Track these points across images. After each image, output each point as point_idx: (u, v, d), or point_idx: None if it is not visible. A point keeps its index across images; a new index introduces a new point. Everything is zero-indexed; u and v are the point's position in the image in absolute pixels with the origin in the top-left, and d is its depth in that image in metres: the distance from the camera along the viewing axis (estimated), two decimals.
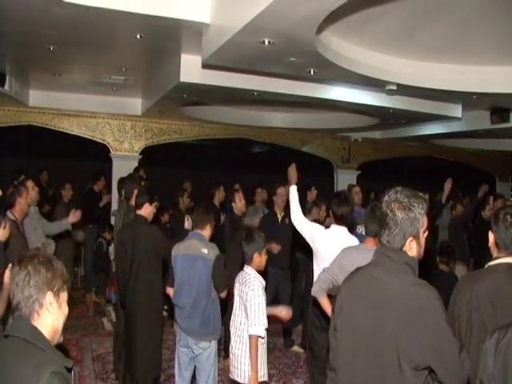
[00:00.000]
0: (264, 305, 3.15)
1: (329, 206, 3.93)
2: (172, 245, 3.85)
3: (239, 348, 3.23)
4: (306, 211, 7.38)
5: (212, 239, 3.94)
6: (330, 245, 3.72)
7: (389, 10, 4.10)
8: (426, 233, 1.93)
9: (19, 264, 1.67)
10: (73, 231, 6.68)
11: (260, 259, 3.31)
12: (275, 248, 5.48)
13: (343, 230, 3.83)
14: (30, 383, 1.49)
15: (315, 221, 5.44)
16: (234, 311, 3.35)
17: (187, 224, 4.48)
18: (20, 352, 1.56)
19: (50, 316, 1.66)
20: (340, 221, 3.81)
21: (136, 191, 4.50)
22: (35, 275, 1.64)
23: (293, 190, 4.20)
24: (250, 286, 3.16)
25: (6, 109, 8.43)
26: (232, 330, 3.34)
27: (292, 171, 4.28)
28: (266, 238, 3.44)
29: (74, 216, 4.99)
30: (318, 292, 3.31)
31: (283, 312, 3.38)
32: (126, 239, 4.08)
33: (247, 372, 3.17)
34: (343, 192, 4.15)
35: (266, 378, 3.25)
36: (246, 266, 3.32)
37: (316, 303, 3.99)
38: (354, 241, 3.74)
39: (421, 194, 1.92)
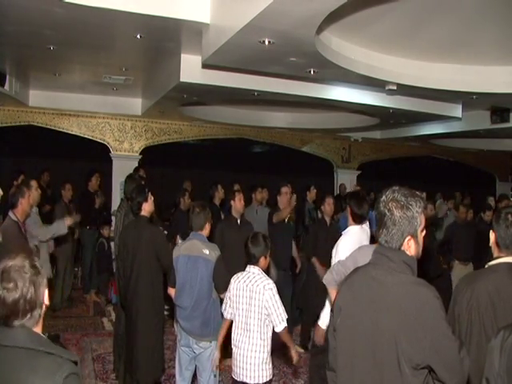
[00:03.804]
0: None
1: (349, 206, 3.91)
2: (171, 253, 3.85)
3: (247, 349, 3.19)
4: (306, 212, 7.43)
5: (212, 239, 3.94)
6: (353, 246, 3.71)
7: (389, 10, 4.10)
8: (424, 231, 1.93)
9: (8, 277, 1.58)
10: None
11: (265, 262, 3.35)
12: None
13: (364, 228, 3.88)
14: None
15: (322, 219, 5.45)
16: (237, 311, 3.29)
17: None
18: (26, 363, 1.50)
19: (42, 313, 1.63)
20: (359, 220, 3.84)
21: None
22: (32, 283, 1.58)
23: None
24: (266, 286, 3.18)
25: (6, 109, 8.44)
26: (236, 331, 3.30)
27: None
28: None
29: (73, 219, 4.99)
30: (330, 282, 3.32)
31: (294, 354, 3.32)
32: (128, 239, 4.07)
33: (258, 372, 3.16)
34: (360, 191, 4.16)
35: (272, 376, 3.26)
36: (251, 266, 3.31)
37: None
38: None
39: (418, 192, 1.92)
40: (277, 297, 3.20)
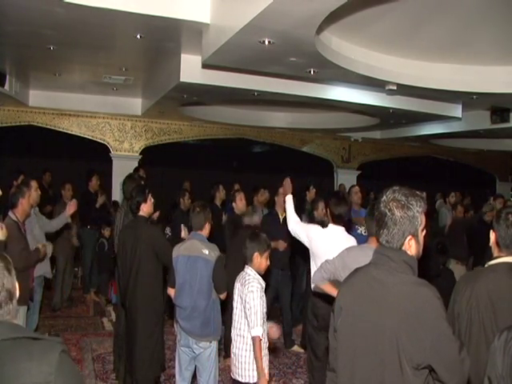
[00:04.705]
0: (262, 306, 3.13)
1: (327, 205, 3.92)
2: (171, 249, 3.83)
3: (240, 348, 3.22)
4: (305, 211, 7.42)
5: (213, 239, 3.93)
6: (327, 244, 3.73)
7: (389, 10, 4.11)
8: (424, 231, 1.93)
9: None
10: (69, 234, 6.71)
11: (260, 261, 3.26)
12: (281, 245, 5.45)
13: (340, 229, 3.84)
14: (44, 374, 1.43)
15: (318, 222, 5.45)
16: (234, 311, 3.34)
17: (183, 233, 4.29)
18: (18, 352, 1.49)
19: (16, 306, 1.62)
20: (337, 220, 3.82)
21: None
22: (8, 271, 1.55)
23: (288, 200, 4.20)
24: (249, 288, 3.15)
25: (7, 109, 8.44)
26: (232, 330, 3.34)
27: (287, 184, 4.27)
28: (268, 238, 3.42)
29: (71, 207, 5.00)
30: (319, 280, 3.28)
31: (274, 328, 3.28)
32: (127, 239, 4.07)
33: (248, 371, 3.18)
34: (341, 191, 4.16)
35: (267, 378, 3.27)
36: (246, 266, 3.31)
37: (313, 304, 3.99)
38: (351, 241, 3.74)
39: (418, 192, 1.92)
40: (256, 301, 3.10)
